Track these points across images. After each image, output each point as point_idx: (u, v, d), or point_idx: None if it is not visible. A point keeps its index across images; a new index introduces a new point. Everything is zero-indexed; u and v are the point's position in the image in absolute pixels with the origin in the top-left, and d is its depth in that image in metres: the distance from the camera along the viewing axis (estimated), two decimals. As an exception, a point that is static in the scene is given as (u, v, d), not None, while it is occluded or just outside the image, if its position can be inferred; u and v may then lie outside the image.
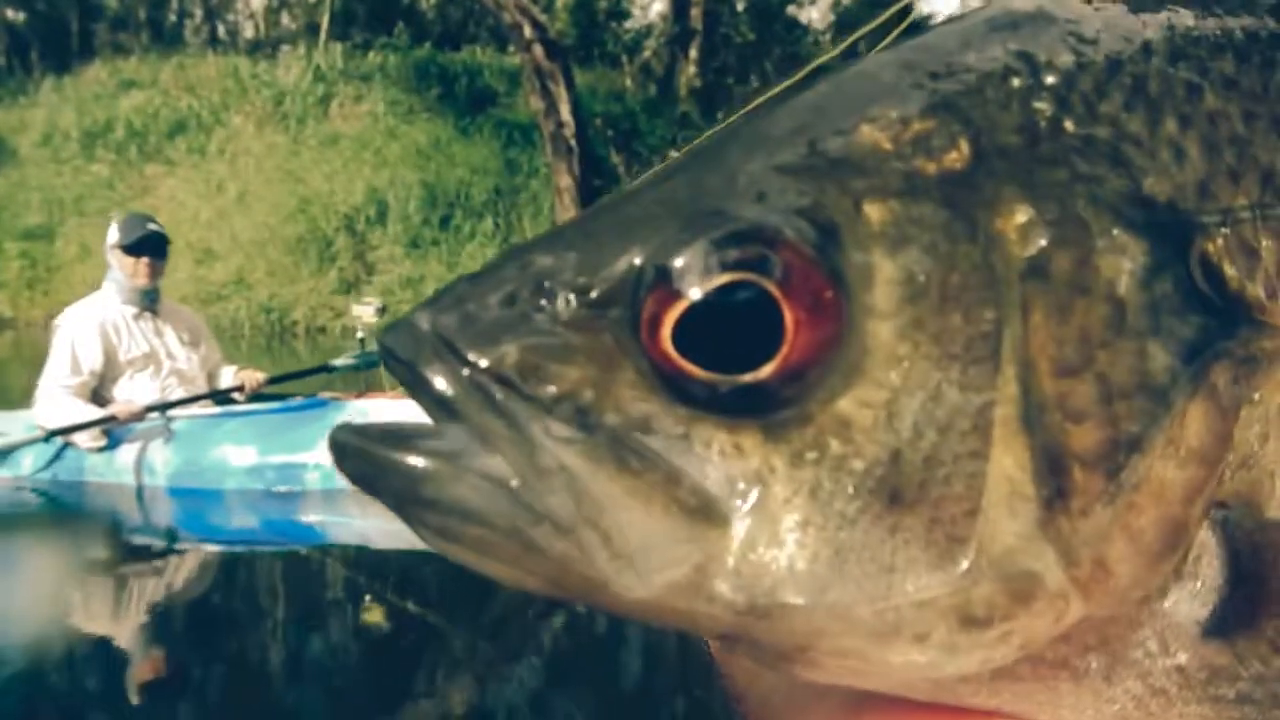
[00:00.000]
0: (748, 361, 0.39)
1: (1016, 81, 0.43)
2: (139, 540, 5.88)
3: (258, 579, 5.34)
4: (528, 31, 16.92)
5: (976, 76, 0.43)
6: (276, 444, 5.90)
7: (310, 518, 5.86)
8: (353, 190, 18.78)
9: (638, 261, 0.40)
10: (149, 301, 6.19)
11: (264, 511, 5.96)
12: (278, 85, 22.19)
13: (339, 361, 6.77)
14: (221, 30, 32.51)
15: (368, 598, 4.89)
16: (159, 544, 5.77)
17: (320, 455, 5.54)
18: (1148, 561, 0.39)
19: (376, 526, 5.19)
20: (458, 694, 3.99)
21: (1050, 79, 0.43)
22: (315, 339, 17.32)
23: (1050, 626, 0.39)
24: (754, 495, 0.39)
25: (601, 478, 0.39)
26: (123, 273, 6.10)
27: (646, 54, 20.75)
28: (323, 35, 24.07)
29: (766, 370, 0.39)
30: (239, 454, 5.95)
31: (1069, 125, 0.42)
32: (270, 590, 5.18)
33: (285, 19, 31.50)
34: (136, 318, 6.17)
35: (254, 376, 6.30)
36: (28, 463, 6.30)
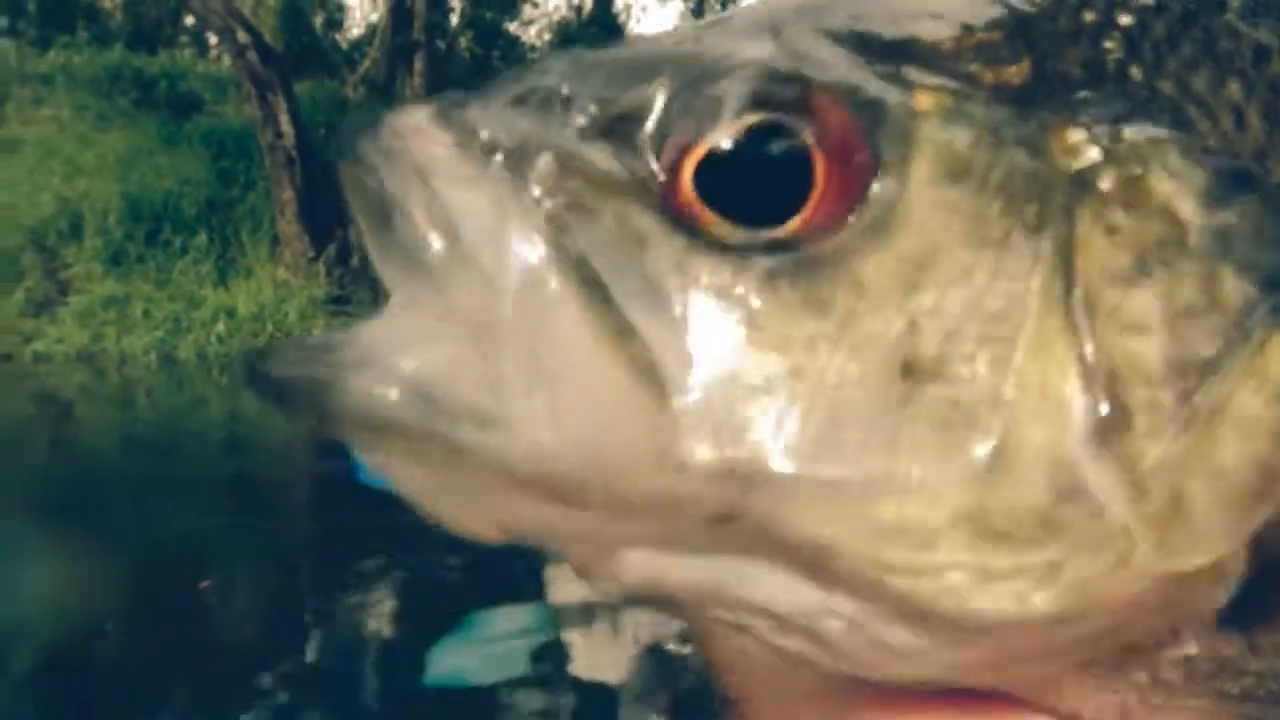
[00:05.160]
0: (769, 216, 0.37)
1: (1090, 17, 0.42)
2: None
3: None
4: (241, 37, 16.03)
5: (1051, 4, 0.42)
6: None
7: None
8: (39, 201, 16.91)
9: (666, 91, 0.38)
10: None
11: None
12: (-64, 83, 19.63)
13: None
14: None
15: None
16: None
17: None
18: (1237, 508, 0.36)
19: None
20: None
21: (1125, 20, 0.42)
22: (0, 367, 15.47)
23: (1112, 572, 0.36)
24: (743, 338, 0.35)
25: (556, 293, 0.35)
26: None
27: (367, 64, 20.24)
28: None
29: (792, 225, 0.36)
30: None
31: (1134, 72, 0.41)
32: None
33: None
34: None
35: None
36: None
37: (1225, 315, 0.37)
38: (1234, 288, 0.38)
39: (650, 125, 0.38)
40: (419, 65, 20.13)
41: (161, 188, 17.08)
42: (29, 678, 4.93)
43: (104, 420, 12.44)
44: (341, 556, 6.61)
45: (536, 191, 0.37)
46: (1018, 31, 0.41)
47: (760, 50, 0.39)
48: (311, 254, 16.25)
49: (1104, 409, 0.36)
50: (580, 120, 0.38)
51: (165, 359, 15.36)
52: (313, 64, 20.39)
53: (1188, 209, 0.38)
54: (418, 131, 0.38)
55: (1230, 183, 0.39)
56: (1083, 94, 0.40)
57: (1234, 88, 0.41)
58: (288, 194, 16.26)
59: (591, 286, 0.36)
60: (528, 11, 24.36)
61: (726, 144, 0.37)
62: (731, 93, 0.37)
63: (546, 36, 24.88)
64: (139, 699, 4.76)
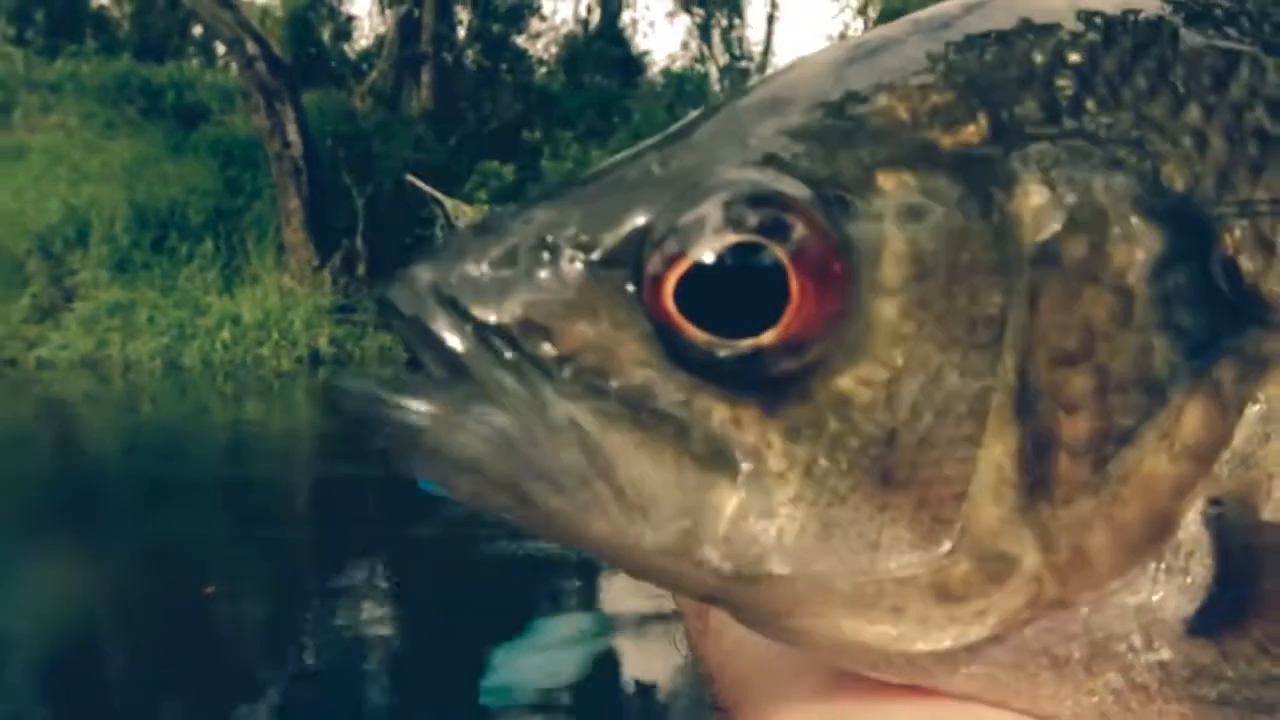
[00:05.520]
0: (750, 328, 0.39)
1: (1040, 59, 0.42)
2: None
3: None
4: (250, 47, 16.13)
5: (999, 51, 0.43)
6: None
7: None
8: (46, 208, 16.97)
9: (644, 219, 0.40)
10: None
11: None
12: (-56, 90, 19.71)
13: None
14: None
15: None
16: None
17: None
18: (1129, 552, 0.40)
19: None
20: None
21: (1074, 58, 0.42)
22: (3, 372, 15.50)
23: (1024, 607, 0.40)
24: (748, 468, 0.39)
25: (614, 434, 0.39)
26: None
27: (374, 75, 20.32)
28: (-2, 37, 21.66)
29: (768, 337, 0.39)
30: None
31: (1090, 107, 0.41)
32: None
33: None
34: None
35: None
36: None
37: (1150, 385, 0.39)
38: (1162, 357, 0.39)
39: (631, 258, 0.40)
40: (426, 77, 20.22)
41: (168, 195, 17.15)
42: (33, 681, 4.94)
43: (108, 426, 12.46)
44: (341, 563, 6.61)
45: (547, 360, 0.40)
46: (970, 88, 0.42)
47: (730, 170, 0.40)
48: (317, 262, 16.31)
49: (1029, 480, 0.39)
50: (566, 270, 0.41)
51: (170, 365, 15.40)
52: (320, 74, 20.48)
53: (1135, 277, 0.39)
54: (423, 301, 0.41)
55: (1181, 243, 0.40)
56: (1042, 143, 0.41)
57: (1193, 111, 0.42)
58: (294, 203, 16.33)
59: (638, 413, 0.40)
60: (535, 25, 24.49)
61: (704, 267, 0.39)
62: (704, 224, 0.39)
63: (553, 49, 25.01)
64: (145, 704, 4.76)
